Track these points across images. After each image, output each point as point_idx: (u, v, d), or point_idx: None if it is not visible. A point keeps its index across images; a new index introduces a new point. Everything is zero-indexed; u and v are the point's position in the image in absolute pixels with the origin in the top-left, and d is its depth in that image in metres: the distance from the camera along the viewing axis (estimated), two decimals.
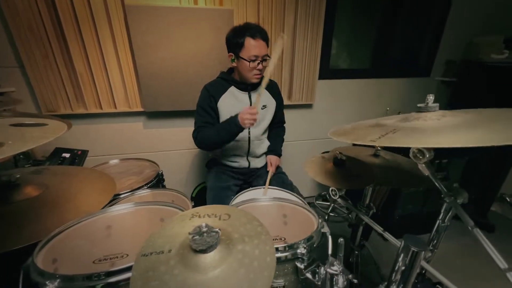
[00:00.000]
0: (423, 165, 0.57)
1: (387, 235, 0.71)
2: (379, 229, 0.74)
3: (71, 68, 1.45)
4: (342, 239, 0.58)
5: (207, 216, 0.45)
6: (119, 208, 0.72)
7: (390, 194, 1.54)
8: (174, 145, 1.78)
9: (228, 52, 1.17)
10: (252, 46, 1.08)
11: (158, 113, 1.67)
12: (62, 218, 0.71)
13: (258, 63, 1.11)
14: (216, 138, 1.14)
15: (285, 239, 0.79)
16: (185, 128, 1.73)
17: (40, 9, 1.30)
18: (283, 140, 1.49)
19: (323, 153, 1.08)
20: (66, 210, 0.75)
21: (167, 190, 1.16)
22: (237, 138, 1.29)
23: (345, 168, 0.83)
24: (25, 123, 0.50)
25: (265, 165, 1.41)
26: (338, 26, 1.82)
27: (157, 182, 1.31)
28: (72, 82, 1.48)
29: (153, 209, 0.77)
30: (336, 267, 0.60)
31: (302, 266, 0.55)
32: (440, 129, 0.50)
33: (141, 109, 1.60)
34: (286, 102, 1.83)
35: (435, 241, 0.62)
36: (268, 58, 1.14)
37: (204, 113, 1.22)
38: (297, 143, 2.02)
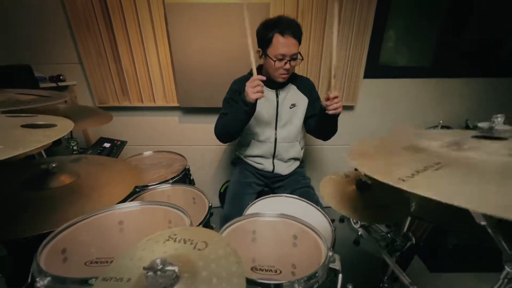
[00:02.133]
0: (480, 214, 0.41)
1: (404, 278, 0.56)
2: (405, 280, 0.59)
3: (119, 64, 1.58)
4: (350, 287, 0.47)
5: (183, 241, 0.40)
6: (130, 205, 0.74)
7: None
8: (207, 140, 1.82)
9: (258, 47, 1.10)
10: (280, 44, 0.99)
11: (193, 109, 1.72)
12: (84, 207, 0.77)
13: (286, 63, 1.02)
14: (229, 121, 1.08)
15: (293, 265, 0.70)
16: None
17: (95, 10, 1.45)
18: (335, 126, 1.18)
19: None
20: (90, 200, 0.80)
21: (192, 188, 1.18)
22: (263, 138, 1.23)
23: (370, 194, 0.68)
24: (36, 123, 0.53)
25: (291, 174, 1.32)
26: (393, 16, 1.55)
27: (184, 176, 1.35)
28: (120, 77, 1.62)
29: (162, 210, 0.78)
30: None
31: None
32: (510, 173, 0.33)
33: (177, 104, 1.67)
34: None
35: None
36: (298, 57, 1.03)
37: (229, 106, 1.18)
38: (331, 149, 1.84)
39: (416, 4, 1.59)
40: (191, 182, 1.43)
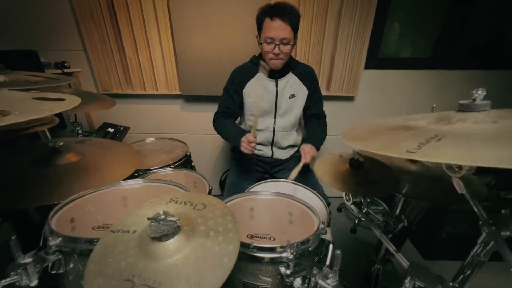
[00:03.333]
0: (459, 180, 0.44)
1: (398, 256, 0.59)
2: (391, 248, 0.62)
3: (122, 53, 1.61)
4: (339, 251, 0.51)
5: (183, 203, 0.44)
6: (133, 183, 0.78)
7: (434, 206, 1.30)
8: (207, 129, 1.84)
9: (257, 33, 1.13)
10: (268, 27, 1.01)
11: (194, 97, 1.74)
12: (89, 184, 0.82)
13: (275, 47, 1.03)
14: (224, 137, 1.24)
15: (288, 241, 0.74)
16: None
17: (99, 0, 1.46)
18: (324, 134, 1.32)
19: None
20: (94, 177, 0.84)
21: (193, 172, 1.22)
22: (262, 127, 1.26)
23: (362, 171, 0.71)
24: (47, 97, 0.56)
25: (290, 158, 1.35)
26: (395, 7, 1.55)
27: (185, 162, 1.38)
28: (123, 65, 1.64)
29: (164, 188, 0.81)
30: (329, 281, 0.53)
31: (286, 272, 0.50)
32: (501, 136, 0.36)
33: (179, 93, 1.69)
34: (324, 92, 1.68)
35: (462, 277, 0.48)
36: (289, 42, 1.03)
37: (228, 97, 1.22)
38: (331, 139, 1.86)
39: None
40: (193, 169, 1.46)
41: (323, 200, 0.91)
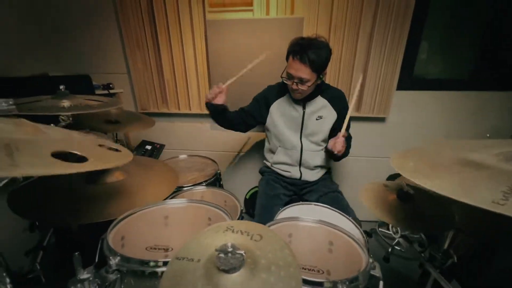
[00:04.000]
0: None
1: None
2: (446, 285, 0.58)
3: (161, 75, 1.73)
4: None
5: (240, 232, 0.45)
6: (176, 202, 0.81)
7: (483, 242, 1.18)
8: (235, 147, 1.89)
9: None
10: (289, 64, 1.07)
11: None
12: (134, 202, 0.86)
13: (292, 83, 1.08)
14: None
15: (328, 271, 0.71)
16: (247, 133, 1.82)
17: (145, 28, 1.62)
18: (349, 146, 1.27)
19: (390, 178, 0.92)
20: (139, 196, 0.90)
21: (223, 191, 1.24)
22: (289, 146, 1.27)
23: (412, 204, 0.68)
24: (107, 145, 0.62)
25: (319, 180, 1.33)
26: (429, 27, 1.53)
27: (215, 180, 1.42)
28: (161, 87, 1.77)
29: (203, 208, 0.84)
30: None
31: None
32: None
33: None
34: (353, 114, 1.65)
35: None
36: (306, 83, 1.06)
37: (255, 105, 1.30)
38: (361, 160, 1.82)
39: (454, 14, 1.56)
40: (221, 187, 1.49)
41: (359, 228, 0.87)
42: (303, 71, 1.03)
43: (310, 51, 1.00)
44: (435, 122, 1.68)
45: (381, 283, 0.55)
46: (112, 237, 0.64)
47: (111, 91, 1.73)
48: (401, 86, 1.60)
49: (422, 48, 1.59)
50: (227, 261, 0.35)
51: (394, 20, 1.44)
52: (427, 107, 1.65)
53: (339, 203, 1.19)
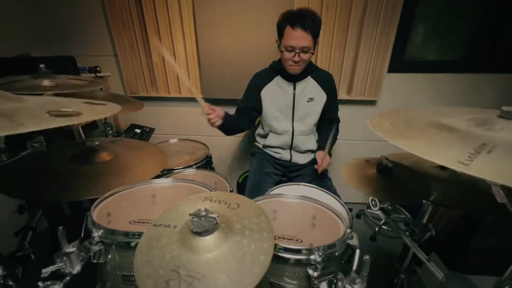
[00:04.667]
0: (499, 188, 0.43)
1: (431, 265, 0.58)
2: (422, 256, 0.61)
3: (149, 58, 1.69)
4: (368, 257, 0.50)
5: (218, 201, 0.46)
6: (162, 181, 0.82)
7: (464, 217, 1.23)
8: None
9: (277, 37, 1.14)
10: (289, 36, 1.03)
11: (216, 100, 1.78)
12: (122, 181, 0.87)
13: (295, 55, 1.05)
14: None
15: (311, 244, 0.74)
16: None
17: (131, 7, 1.55)
18: (334, 139, 1.32)
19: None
20: (127, 175, 0.90)
21: (213, 173, 1.25)
22: (280, 131, 1.28)
23: (391, 177, 0.70)
24: (93, 102, 0.61)
25: (308, 163, 1.34)
26: (422, 8, 1.51)
27: (206, 163, 1.42)
28: (149, 69, 1.73)
29: (190, 187, 0.85)
30: (357, 286, 0.53)
31: (314, 274, 0.51)
32: None
33: (201, 96, 1.74)
34: (344, 96, 1.67)
35: None
36: (309, 51, 1.05)
37: (248, 97, 1.28)
38: (352, 144, 1.84)
39: None
40: (212, 170, 1.50)
41: (345, 206, 0.90)
42: (305, 39, 1.01)
43: (309, 16, 1.00)
44: (426, 104, 1.69)
45: (357, 251, 0.57)
46: (97, 213, 0.65)
47: (99, 74, 1.69)
48: (392, 68, 1.60)
49: (414, 30, 1.57)
50: (200, 224, 0.36)
51: (386, 1, 1.41)
52: (419, 89, 1.66)
53: (327, 187, 1.21)
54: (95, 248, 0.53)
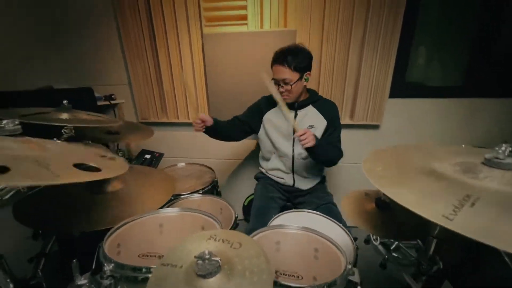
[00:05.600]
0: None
1: None
2: None
3: (161, 86, 1.80)
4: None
5: (222, 240, 0.49)
6: (169, 211, 0.85)
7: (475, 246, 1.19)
8: (232, 155, 1.94)
9: None
10: (273, 71, 1.18)
11: None
12: (132, 210, 0.91)
13: (278, 87, 1.17)
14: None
15: (314, 278, 0.75)
16: (243, 141, 1.87)
17: (145, 40, 1.69)
18: (331, 149, 1.22)
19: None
20: (136, 204, 0.94)
21: (219, 199, 1.28)
22: (282, 153, 1.32)
23: (390, 213, 0.71)
24: (107, 156, 0.67)
25: (312, 190, 1.36)
26: (420, 33, 1.57)
27: (212, 188, 1.46)
28: (160, 97, 1.84)
29: (197, 217, 0.88)
30: None
31: None
32: None
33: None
34: (347, 121, 1.71)
35: None
36: (290, 82, 1.14)
37: (250, 114, 1.37)
38: (356, 167, 1.84)
39: (445, 18, 1.59)
40: (218, 194, 1.53)
41: (349, 234, 0.90)
42: (283, 72, 1.13)
43: (287, 54, 1.12)
44: (429, 129, 1.71)
45: None
46: (108, 245, 0.69)
47: (113, 101, 1.80)
48: (394, 94, 1.64)
49: (413, 55, 1.63)
50: (204, 267, 0.39)
51: (385, 25, 1.48)
52: (421, 114, 1.68)
53: (333, 216, 1.21)
54: (106, 282, 0.56)
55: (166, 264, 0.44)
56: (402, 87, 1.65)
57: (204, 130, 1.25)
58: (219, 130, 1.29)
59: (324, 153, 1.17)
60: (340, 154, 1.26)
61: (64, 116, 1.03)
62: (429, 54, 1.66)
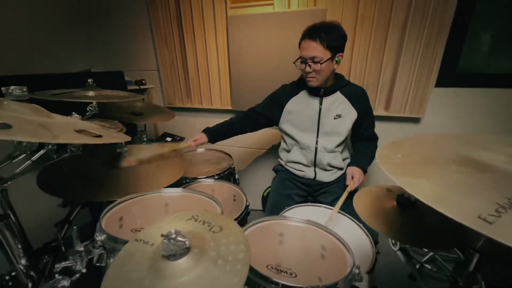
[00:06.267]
0: None
1: None
2: None
3: (186, 72, 1.82)
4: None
5: (202, 222, 0.44)
6: (171, 190, 0.85)
7: None
8: (255, 144, 1.89)
9: None
10: (301, 48, 1.05)
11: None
12: (142, 186, 0.93)
13: (306, 65, 1.04)
14: None
15: (319, 278, 0.66)
16: (267, 131, 1.80)
17: (173, 27, 1.72)
18: (371, 157, 1.22)
19: None
20: (146, 181, 0.97)
21: (234, 186, 1.25)
22: (303, 146, 1.21)
23: (414, 213, 0.57)
24: (109, 127, 0.67)
25: (335, 182, 1.24)
26: (480, 11, 1.30)
27: (228, 174, 1.43)
28: (186, 83, 1.86)
29: (198, 198, 0.86)
30: None
31: None
32: None
33: (230, 108, 1.80)
34: (381, 112, 1.52)
35: None
36: (320, 61, 1.01)
37: (267, 104, 1.27)
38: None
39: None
40: (235, 182, 1.50)
41: (369, 236, 0.79)
42: (314, 48, 1.00)
43: (321, 29, 1.00)
44: (481, 124, 1.42)
45: None
46: (109, 217, 0.70)
47: (143, 86, 1.88)
48: (441, 82, 1.40)
49: (471, 38, 1.36)
50: (168, 247, 0.35)
51: (434, 5, 1.25)
52: (474, 106, 1.41)
53: (354, 210, 1.10)
54: (97, 251, 0.56)
55: (139, 240, 0.41)
56: (453, 74, 1.39)
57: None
58: (221, 138, 1.30)
59: (371, 160, 1.21)
60: (377, 145, 1.27)
61: (90, 93, 1.10)
62: (491, 36, 1.36)
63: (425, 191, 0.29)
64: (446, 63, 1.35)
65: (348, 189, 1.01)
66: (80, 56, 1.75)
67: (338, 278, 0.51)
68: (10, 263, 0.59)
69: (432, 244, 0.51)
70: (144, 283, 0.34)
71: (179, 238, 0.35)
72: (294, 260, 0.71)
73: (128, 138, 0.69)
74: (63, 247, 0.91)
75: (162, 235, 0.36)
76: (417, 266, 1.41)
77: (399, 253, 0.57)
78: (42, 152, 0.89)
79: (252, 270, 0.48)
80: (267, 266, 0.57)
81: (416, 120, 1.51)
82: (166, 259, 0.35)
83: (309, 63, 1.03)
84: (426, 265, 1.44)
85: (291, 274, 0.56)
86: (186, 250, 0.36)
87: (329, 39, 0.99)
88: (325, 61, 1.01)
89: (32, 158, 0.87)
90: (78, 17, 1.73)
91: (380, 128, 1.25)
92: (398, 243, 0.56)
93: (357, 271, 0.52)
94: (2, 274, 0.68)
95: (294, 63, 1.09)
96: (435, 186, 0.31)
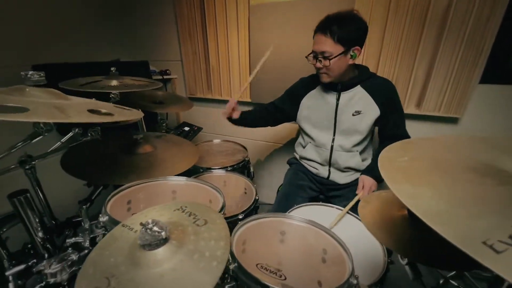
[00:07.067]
0: None
1: None
2: None
3: (208, 63, 1.83)
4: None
5: (188, 214, 0.43)
6: (177, 179, 0.86)
7: None
8: (272, 138, 1.86)
9: None
10: (313, 42, 0.99)
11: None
12: (154, 172, 0.96)
13: (316, 61, 0.98)
14: None
15: (319, 282, 0.63)
16: (285, 126, 1.75)
17: (196, 19, 1.73)
18: None
19: None
20: (159, 167, 0.99)
21: (246, 179, 1.24)
22: (318, 143, 1.15)
23: (428, 226, 0.50)
24: (123, 107, 0.69)
25: (350, 185, 1.17)
26: None
27: (242, 167, 1.43)
28: (207, 74, 1.88)
29: (203, 188, 0.86)
30: None
31: None
32: None
33: (249, 100, 1.78)
34: (412, 110, 1.38)
35: None
36: (329, 57, 0.94)
37: (285, 99, 1.25)
38: None
39: None
40: (250, 174, 1.50)
41: (382, 244, 0.72)
42: (323, 43, 0.93)
43: (332, 21, 0.92)
44: None
45: None
46: (115, 200, 0.74)
47: (167, 76, 1.94)
48: (487, 78, 1.21)
49: None
50: (144, 237, 0.34)
51: None
52: None
53: None
54: (99, 231, 0.60)
55: (125, 225, 0.42)
56: (502, 70, 1.20)
57: (232, 116, 1.21)
58: (244, 123, 1.27)
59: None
60: None
61: (113, 83, 1.15)
62: None
63: (422, 202, 0.24)
64: (495, 57, 1.17)
65: (356, 199, 0.95)
66: (110, 47, 1.85)
67: (338, 284, 0.48)
68: (29, 235, 0.66)
69: (438, 262, 0.44)
70: (120, 269, 0.34)
71: (156, 229, 0.34)
72: (293, 260, 0.68)
73: (141, 114, 0.71)
74: (83, 223, 0.99)
75: (141, 224, 0.35)
76: (441, 281, 1.28)
77: (406, 267, 0.51)
78: (70, 134, 0.97)
79: (240, 267, 0.46)
80: (256, 265, 0.56)
81: (453, 121, 1.34)
82: (142, 248, 0.35)
83: (320, 58, 0.97)
84: (452, 282, 1.31)
85: (280, 276, 0.53)
86: (163, 241, 0.35)
87: (342, 32, 0.91)
88: (334, 57, 0.94)
89: (62, 140, 0.96)
90: (111, 9, 1.82)
91: (410, 127, 1.12)
92: (406, 258, 0.49)
93: (354, 281, 0.48)
94: (25, 243, 0.75)
95: (306, 57, 1.03)
96: (438, 198, 0.25)
